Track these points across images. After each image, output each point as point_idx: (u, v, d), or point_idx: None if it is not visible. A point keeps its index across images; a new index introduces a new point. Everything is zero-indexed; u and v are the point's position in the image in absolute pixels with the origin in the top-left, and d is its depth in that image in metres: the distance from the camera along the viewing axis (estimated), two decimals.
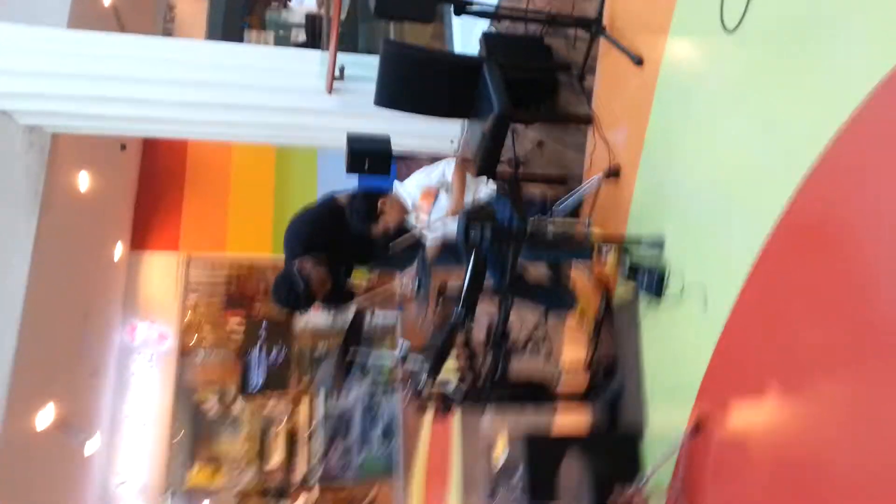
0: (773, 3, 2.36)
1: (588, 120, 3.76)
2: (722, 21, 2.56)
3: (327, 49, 5.58)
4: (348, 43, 7.01)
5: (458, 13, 3.81)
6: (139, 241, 9.51)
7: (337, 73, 5.56)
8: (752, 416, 2.36)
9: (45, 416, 6.56)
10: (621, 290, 3.27)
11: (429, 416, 7.44)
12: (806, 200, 2.14)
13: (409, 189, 3.51)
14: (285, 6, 10.28)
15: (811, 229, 2.13)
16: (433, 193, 3.50)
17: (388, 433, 10.08)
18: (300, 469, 10.43)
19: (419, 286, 3.25)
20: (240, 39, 9.99)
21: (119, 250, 9.09)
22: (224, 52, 6.15)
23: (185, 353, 9.94)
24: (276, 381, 10.16)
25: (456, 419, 6.35)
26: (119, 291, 9.25)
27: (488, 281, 3.22)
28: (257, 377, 10.04)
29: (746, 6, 2.45)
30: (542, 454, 2.94)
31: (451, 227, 3.37)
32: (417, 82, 4.04)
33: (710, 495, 2.52)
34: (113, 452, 8.84)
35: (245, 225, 9.72)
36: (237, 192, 9.89)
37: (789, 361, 2.16)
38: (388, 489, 10.20)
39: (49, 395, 6.70)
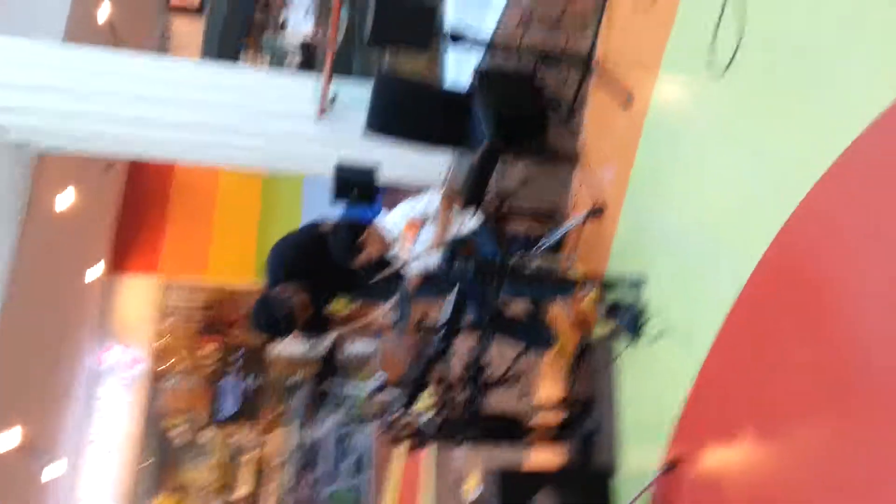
0: (762, 47, 2.37)
1: (575, 157, 3.76)
2: (711, 64, 2.56)
3: (322, 73, 5.59)
4: (343, 66, 7.03)
5: (452, 44, 3.82)
6: (118, 262, 9.40)
7: (329, 99, 5.57)
8: (725, 457, 2.34)
9: (9, 439, 6.37)
10: (600, 327, 3.24)
11: (401, 449, 7.34)
12: (784, 246, 2.13)
13: (393, 220, 3.48)
14: (282, 30, 10.33)
15: (787, 276, 2.13)
16: (418, 225, 3.47)
17: (359, 465, 9.91)
18: (268, 500, 10.26)
19: (399, 317, 3.20)
20: (235, 61, 10.01)
21: (97, 271, 8.96)
22: (218, 73, 6.15)
23: (157, 378, 9.79)
24: (248, 409, 10.01)
25: (428, 453, 6.27)
26: (95, 313, 9.12)
27: (468, 315, 3.19)
28: (229, 405, 9.90)
29: (735, 50, 2.45)
30: (515, 489, 2.90)
31: (434, 260, 3.34)
32: (409, 113, 4.05)
33: None
34: (77, 477, 8.64)
35: (228, 251, 9.63)
36: (222, 218, 9.83)
37: (764, 404, 2.15)
38: None
39: (16, 418, 6.53)
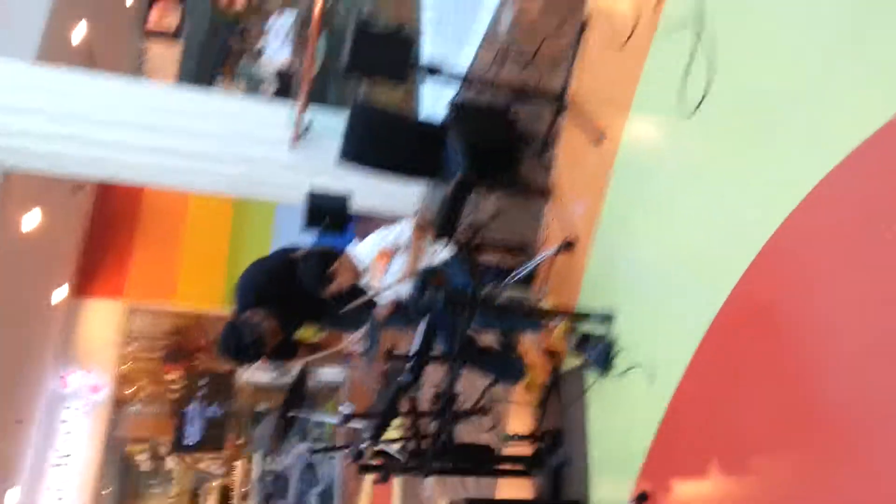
0: (731, 91, 2.43)
1: (547, 192, 3.80)
2: (681, 104, 2.63)
3: (297, 101, 5.60)
4: (319, 95, 7.06)
5: (428, 77, 3.86)
6: (83, 286, 9.25)
7: (304, 127, 5.58)
8: (695, 490, 2.36)
9: None
10: (570, 361, 3.26)
11: (369, 480, 7.25)
12: (751, 282, 2.18)
13: (364, 250, 3.48)
14: (258, 58, 10.37)
15: (756, 310, 2.17)
16: (389, 254, 3.47)
17: (326, 496, 9.77)
18: None
19: (368, 347, 3.18)
20: (210, 87, 10.00)
21: (61, 294, 8.79)
22: (193, 98, 6.13)
23: (119, 404, 9.60)
24: (213, 437, 9.83)
25: (397, 483, 6.20)
26: (57, 336, 8.93)
27: (438, 346, 3.19)
28: (194, 432, 9.71)
29: (705, 92, 2.51)
30: None
31: (406, 289, 3.34)
32: (383, 143, 4.06)
33: None
34: (34, 503, 8.39)
35: (197, 276, 9.51)
36: (191, 243, 9.72)
37: (731, 438, 2.18)
38: None
39: None
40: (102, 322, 9.22)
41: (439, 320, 3.03)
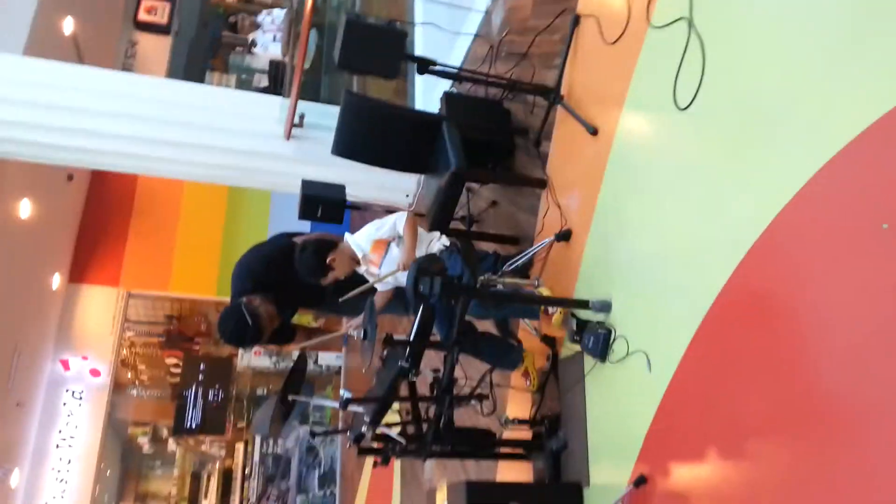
0: (724, 85, 2.51)
1: (542, 184, 3.86)
2: (675, 99, 2.70)
3: (288, 96, 5.64)
4: (310, 92, 7.10)
5: (421, 72, 3.90)
6: (78, 273, 9.28)
7: (297, 120, 5.61)
8: (693, 473, 2.43)
9: None
10: (568, 347, 3.33)
11: (369, 463, 7.31)
12: (746, 274, 2.26)
13: (359, 241, 3.52)
14: (250, 51, 10.36)
15: (751, 300, 2.25)
16: (384, 245, 3.52)
17: (326, 478, 9.86)
18: None
19: (365, 334, 3.23)
20: (201, 80, 9.99)
21: (57, 281, 8.84)
22: (183, 91, 6.14)
23: (118, 389, 9.65)
24: (212, 422, 9.89)
25: (397, 467, 6.27)
26: (53, 322, 9.00)
27: (435, 333, 3.24)
28: (193, 417, 9.76)
29: (699, 86, 2.59)
30: (483, 502, 2.92)
31: (402, 280, 3.39)
32: (376, 135, 4.10)
33: None
34: (37, 487, 8.48)
35: (191, 265, 9.56)
36: (185, 231, 9.75)
37: (729, 424, 2.25)
38: None
39: None
40: (100, 307, 9.28)
41: (437, 307, 3.09)
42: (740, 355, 2.23)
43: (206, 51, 10.33)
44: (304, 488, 9.84)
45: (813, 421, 1.93)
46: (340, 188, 4.62)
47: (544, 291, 3.43)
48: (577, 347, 3.15)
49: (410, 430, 3.25)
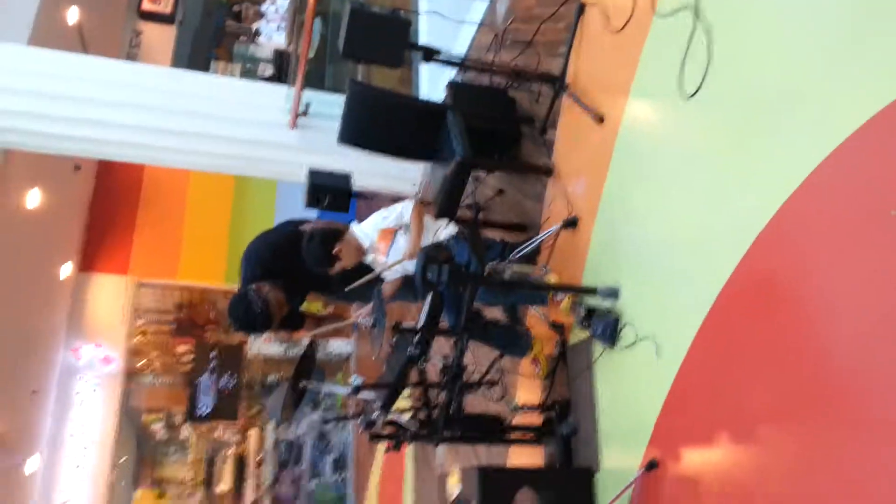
0: (730, 73, 2.52)
1: (548, 171, 3.88)
2: (680, 87, 2.71)
3: (293, 85, 5.65)
4: (315, 81, 7.09)
5: (425, 61, 3.91)
6: (88, 262, 9.35)
7: (302, 108, 5.62)
8: (703, 458, 2.46)
9: None
10: (576, 334, 3.36)
11: (381, 448, 7.39)
12: (754, 261, 2.28)
13: (365, 230, 3.54)
14: (254, 41, 10.36)
15: (759, 287, 2.27)
16: (391, 234, 3.54)
17: (339, 463, 9.99)
18: (249, 495, 10.22)
19: (375, 322, 3.27)
20: (206, 70, 9.99)
21: (67, 270, 8.91)
22: (189, 81, 6.16)
23: (131, 376, 9.74)
24: (225, 408, 9.99)
25: (409, 452, 6.33)
26: (65, 312, 9.09)
27: (444, 321, 3.27)
28: (205, 404, 9.86)
29: (705, 74, 2.60)
30: (495, 487, 2.96)
31: (409, 268, 3.42)
32: (382, 124, 4.11)
33: None
34: (54, 473, 8.61)
35: (198, 253, 9.63)
36: (192, 219, 9.80)
37: (739, 409, 2.28)
38: None
39: None
40: (111, 296, 9.38)
41: (445, 295, 3.12)
42: (749, 342, 2.26)
43: (210, 40, 10.34)
44: (317, 473, 9.95)
45: (821, 407, 1.96)
46: (346, 177, 4.64)
47: (552, 279, 3.45)
48: (586, 334, 3.18)
49: (421, 416, 3.29)
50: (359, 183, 4.73)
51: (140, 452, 10.29)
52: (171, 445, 10.53)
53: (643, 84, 3.09)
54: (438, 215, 3.84)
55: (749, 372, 2.24)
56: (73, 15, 7.94)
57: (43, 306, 8.43)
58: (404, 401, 3.41)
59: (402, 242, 3.49)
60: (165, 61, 9.87)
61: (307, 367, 3.38)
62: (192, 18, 10.16)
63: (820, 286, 2.02)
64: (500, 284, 3.41)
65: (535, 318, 3.76)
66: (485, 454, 4.37)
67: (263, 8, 10.35)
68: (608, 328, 2.95)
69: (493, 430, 3.55)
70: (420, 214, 3.49)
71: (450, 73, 5.21)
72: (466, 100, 4.41)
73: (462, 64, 4.38)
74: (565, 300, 3.30)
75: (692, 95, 2.66)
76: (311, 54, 6.70)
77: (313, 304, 3.95)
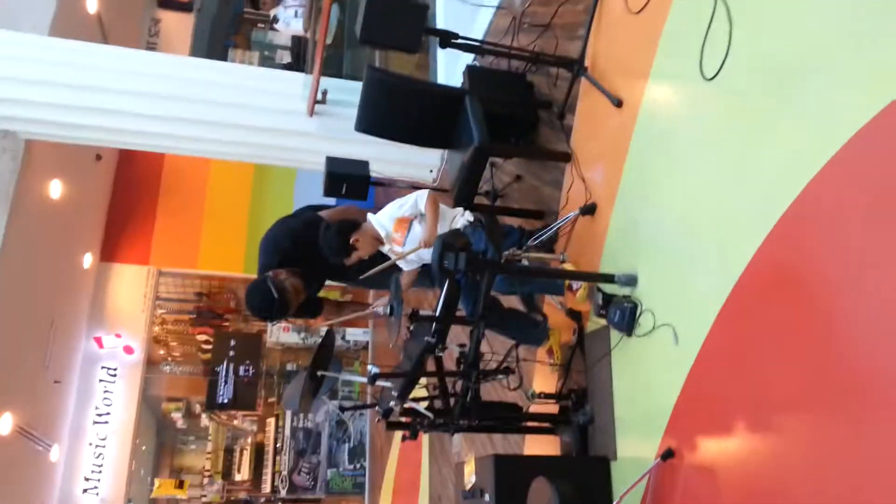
0: (751, 54, 2.47)
1: (566, 157, 3.83)
2: (701, 69, 2.66)
3: (311, 72, 5.63)
4: (333, 68, 7.08)
5: (443, 46, 3.87)
6: (109, 252, 9.45)
7: (319, 96, 5.61)
8: (720, 447, 2.42)
9: (1, 425, 6.44)
10: (593, 322, 3.32)
11: (398, 437, 7.43)
12: (774, 245, 2.23)
13: (382, 220, 3.53)
14: (272, 27, 10.36)
15: (778, 273, 2.22)
16: (407, 223, 3.52)
17: (356, 451, 10.07)
18: (267, 483, 10.35)
19: (391, 310, 3.26)
20: (224, 58, 10.02)
21: (88, 260, 9.01)
22: (207, 69, 6.16)
23: (151, 365, 9.87)
24: (243, 397, 10.10)
25: (425, 440, 6.35)
26: (86, 301, 9.20)
27: (461, 309, 3.25)
28: (224, 393, 9.96)
29: (725, 56, 2.54)
30: (510, 475, 2.95)
31: (425, 257, 3.40)
32: (399, 110, 4.09)
33: None
34: (76, 462, 8.77)
35: (218, 242, 9.68)
36: (212, 209, 9.87)
37: (756, 398, 2.24)
38: None
39: (5, 404, 6.57)
40: (131, 285, 9.50)
41: (462, 283, 3.10)
42: (769, 328, 2.22)
43: (228, 27, 10.35)
44: (335, 462, 10.04)
45: (843, 395, 1.91)
46: (364, 164, 4.62)
47: (569, 266, 3.41)
48: (604, 321, 3.14)
49: (438, 404, 3.28)
50: (377, 170, 4.71)
51: (160, 441, 10.45)
52: (190, 434, 10.67)
53: (663, 66, 3.03)
54: (456, 202, 3.81)
55: (769, 358, 2.19)
56: (92, 4, 7.97)
57: (66, 296, 8.54)
58: (421, 389, 3.40)
59: (419, 231, 3.47)
60: (184, 49, 9.91)
61: (325, 356, 3.38)
62: (210, 6, 10.17)
63: (842, 272, 1.97)
64: (517, 272, 3.38)
65: (553, 306, 3.73)
66: (500, 443, 4.35)
67: None
68: (625, 315, 2.91)
69: (510, 418, 3.53)
70: (435, 203, 3.46)
71: (467, 58, 5.15)
72: (484, 85, 4.37)
73: (479, 48, 4.33)
74: (581, 289, 3.26)
75: (712, 78, 2.61)
76: (329, 40, 6.67)
77: (331, 292, 3.94)
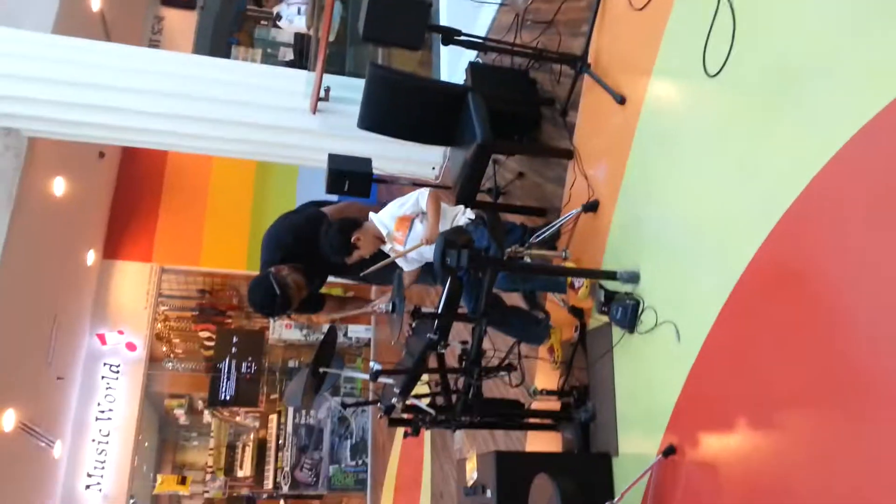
0: (755, 51, 2.46)
1: (569, 154, 3.83)
2: (704, 66, 2.65)
3: (314, 69, 5.63)
4: (335, 65, 7.07)
5: (445, 43, 3.86)
6: (112, 249, 9.47)
7: (322, 93, 5.61)
8: (722, 444, 2.42)
9: (4, 422, 6.46)
10: (595, 319, 3.32)
11: (400, 433, 7.43)
12: (777, 243, 2.23)
13: (383, 219, 3.53)
14: (275, 25, 10.36)
15: (781, 271, 2.22)
16: (408, 221, 3.52)
17: (358, 448, 10.09)
18: (269, 479, 10.36)
19: (393, 307, 3.25)
20: (227, 55, 10.03)
21: (91, 257, 9.02)
22: (210, 67, 6.16)
23: (154, 362, 9.88)
24: (246, 394, 10.12)
25: (427, 437, 6.36)
26: (89, 298, 9.22)
27: (463, 306, 3.25)
28: (227, 389, 9.98)
29: (728, 53, 2.54)
30: (512, 472, 2.95)
31: (426, 254, 3.40)
32: (402, 107, 4.08)
33: None
34: (78, 458, 8.79)
35: (221, 239, 9.69)
36: (214, 206, 9.87)
37: (758, 395, 2.24)
38: (358, 503, 10.20)
39: (8, 401, 6.59)
40: (134, 282, 9.52)
41: (464, 280, 3.09)
42: (771, 326, 2.22)
43: (230, 24, 10.36)
44: (337, 458, 10.06)
45: (845, 393, 1.91)
46: (367, 162, 4.62)
47: (571, 263, 3.41)
48: (606, 318, 3.14)
49: (440, 401, 3.28)
50: (379, 167, 4.71)
51: (162, 437, 10.48)
52: (192, 430, 10.69)
53: (666, 63, 3.03)
54: (458, 199, 3.81)
55: (771, 356, 2.19)
56: (95, 2, 7.98)
57: (68, 293, 8.56)
58: (423, 386, 3.40)
59: (420, 230, 3.47)
60: (187, 47, 9.92)
61: (327, 352, 3.37)
62: (213, 3, 10.17)
63: (844, 270, 1.97)
64: (519, 269, 3.37)
65: (555, 303, 3.73)
66: (502, 439, 4.36)
67: None
68: (627, 312, 2.91)
69: (511, 415, 3.53)
70: (436, 200, 3.46)
71: (470, 55, 5.15)
72: (487, 81, 4.37)
73: (482, 45, 4.32)
74: (583, 287, 3.26)
75: (715, 75, 2.60)
76: (332, 38, 6.66)
77: (333, 288, 3.94)
